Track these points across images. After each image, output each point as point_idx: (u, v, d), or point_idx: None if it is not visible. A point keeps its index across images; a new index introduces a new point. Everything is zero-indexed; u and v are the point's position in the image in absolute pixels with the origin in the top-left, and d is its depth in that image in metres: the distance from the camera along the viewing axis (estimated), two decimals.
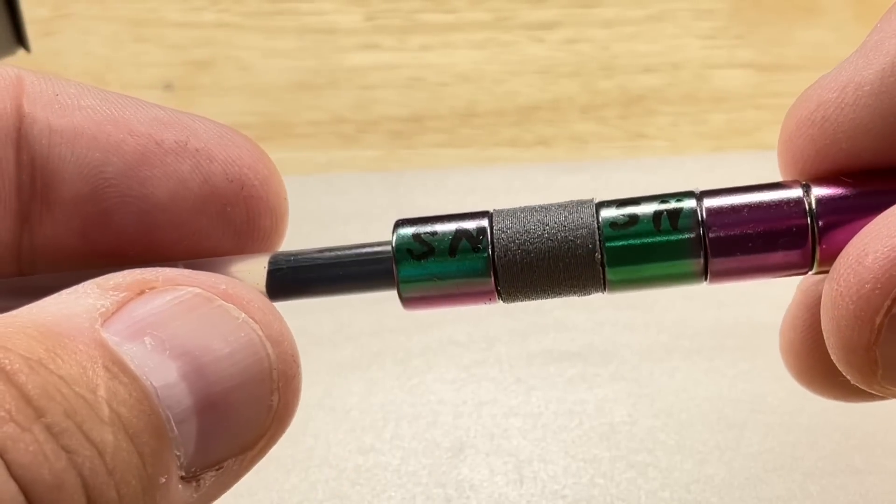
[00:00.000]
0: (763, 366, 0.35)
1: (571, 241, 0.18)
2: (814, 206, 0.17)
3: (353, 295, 0.19)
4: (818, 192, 0.18)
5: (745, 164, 0.41)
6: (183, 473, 0.16)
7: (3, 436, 0.13)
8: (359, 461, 0.33)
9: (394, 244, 0.18)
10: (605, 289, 0.18)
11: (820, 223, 0.17)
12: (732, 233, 0.17)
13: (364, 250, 0.19)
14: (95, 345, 0.15)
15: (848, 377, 0.17)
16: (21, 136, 0.19)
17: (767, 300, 0.37)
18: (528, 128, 0.45)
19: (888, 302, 0.16)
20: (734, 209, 0.18)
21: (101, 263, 0.19)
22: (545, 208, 0.18)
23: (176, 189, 0.19)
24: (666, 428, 0.33)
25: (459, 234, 0.18)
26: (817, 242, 0.17)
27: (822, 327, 0.17)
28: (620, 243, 0.18)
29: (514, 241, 0.18)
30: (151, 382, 0.15)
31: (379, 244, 0.19)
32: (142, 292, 0.16)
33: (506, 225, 0.18)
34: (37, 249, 0.19)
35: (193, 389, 0.16)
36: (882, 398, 0.18)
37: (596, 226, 0.18)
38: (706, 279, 0.18)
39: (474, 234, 0.18)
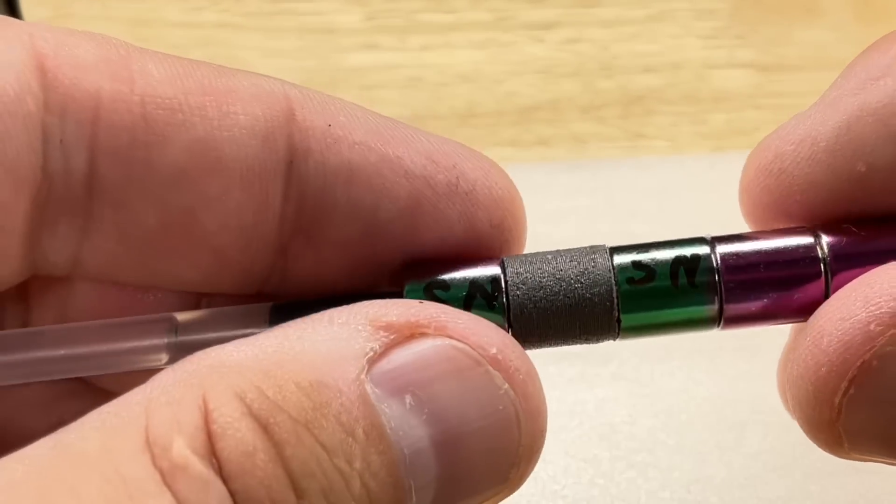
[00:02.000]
0: (763, 366, 0.35)
1: (588, 298, 0.18)
2: (826, 252, 0.18)
3: None
4: (829, 240, 0.18)
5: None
6: None
7: None
8: None
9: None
10: (617, 336, 0.18)
11: (832, 270, 0.18)
12: (747, 280, 0.18)
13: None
14: (360, 402, 0.15)
15: (820, 447, 0.17)
16: (292, 170, 0.18)
17: None
18: (527, 128, 0.45)
19: (844, 384, 0.16)
20: (748, 256, 0.18)
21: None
22: (558, 256, 0.18)
23: (442, 234, 0.18)
24: (666, 428, 0.33)
25: (474, 290, 0.18)
26: (831, 290, 0.18)
27: (789, 402, 0.18)
28: (637, 296, 0.18)
29: (529, 300, 0.18)
30: (403, 449, 0.15)
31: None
32: (412, 335, 0.16)
33: (520, 280, 0.18)
34: (290, 279, 0.19)
35: (440, 460, 0.15)
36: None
37: (613, 282, 0.18)
38: (719, 325, 0.18)
39: (489, 289, 0.18)
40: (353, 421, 0.15)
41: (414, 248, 0.18)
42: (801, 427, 0.17)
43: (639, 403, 0.34)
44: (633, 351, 0.36)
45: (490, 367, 0.16)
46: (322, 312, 0.16)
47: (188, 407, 0.14)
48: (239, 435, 0.14)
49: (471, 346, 0.16)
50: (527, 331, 0.18)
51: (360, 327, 0.16)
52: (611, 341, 0.18)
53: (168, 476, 0.13)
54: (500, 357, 0.16)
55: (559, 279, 0.18)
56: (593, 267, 0.18)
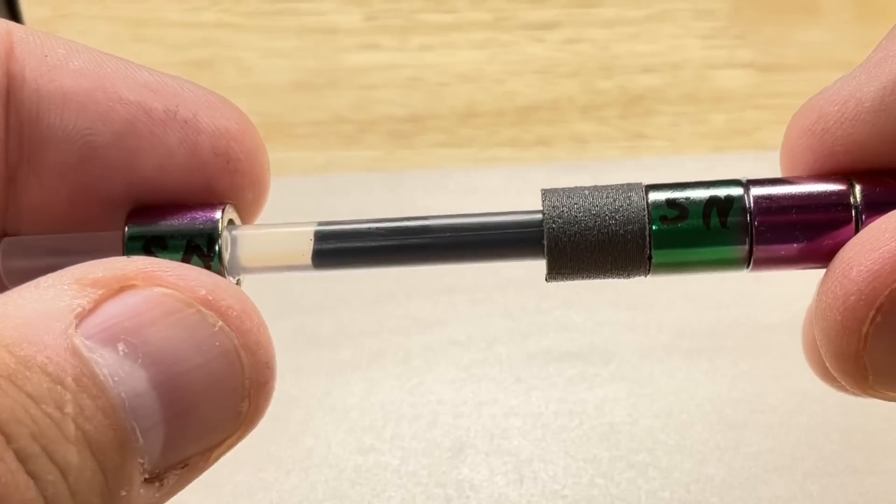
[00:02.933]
0: (763, 366, 0.35)
1: (622, 235, 0.18)
2: (858, 200, 0.18)
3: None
4: (862, 188, 0.18)
5: (745, 164, 0.41)
6: (146, 476, 0.16)
7: None
8: (359, 461, 0.33)
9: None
10: (648, 273, 0.19)
11: (864, 217, 0.18)
12: (778, 222, 0.18)
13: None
14: (68, 353, 0.15)
15: (843, 384, 0.18)
16: (10, 99, 0.18)
17: (767, 301, 0.37)
18: (528, 128, 0.45)
19: (872, 312, 0.17)
20: (781, 199, 0.18)
21: (87, 230, 0.19)
22: (595, 192, 0.18)
23: (162, 162, 0.18)
24: (666, 428, 0.33)
25: (190, 251, 0.18)
26: None
27: (816, 337, 0.18)
28: (669, 234, 0.18)
29: (564, 234, 0.18)
30: (120, 393, 0.15)
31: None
32: (121, 289, 0.16)
33: (556, 214, 0.18)
34: (22, 212, 0.19)
35: (163, 400, 0.16)
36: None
37: (646, 220, 0.18)
38: (748, 266, 0.18)
39: (205, 250, 0.18)
40: (61, 371, 0.15)
41: (136, 178, 0.18)
42: (828, 363, 0.18)
43: (639, 403, 0.34)
44: (633, 351, 0.36)
45: (201, 308, 0.16)
46: (31, 281, 0.16)
47: None
48: None
49: (179, 291, 0.16)
50: (560, 263, 0.18)
51: (65, 287, 0.16)
52: (642, 277, 0.19)
53: None
54: (210, 297, 0.16)
55: (594, 215, 0.18)
56: (628, 204, 0.18)
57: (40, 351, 0.15)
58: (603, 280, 0.19)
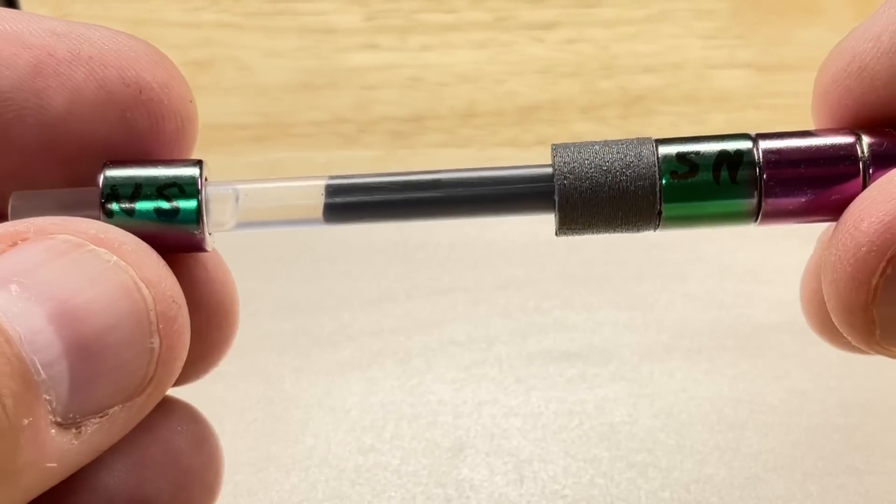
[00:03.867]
0: (763, 366, 0.35)
1: (632, 191, 0.18)
2: (866, 153, 0.18)
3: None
4: (869, 140, 0.18)
5: None
6: (59, 419, 0.16)
7: None
8: (359, 461, 0.33)
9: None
10: (657, 228, 0.19)
11: (871, 170, 0.18)
12: (786, 176, 0.18)
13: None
14: None
15: (849, 338, 0.18)
16: None
17: (768, 301, 0.37)
18: (528, 128, 0.45)
19: (883, 264, 0.17)
20: (789, 153, 0.18)
21: (11, 186, 0.19)
22: (605, 147, 0.19)
23: (72, 98, 0.18)
24: (666, 428, 0.33)
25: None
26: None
27: (823, 290, 0.18)
28: (679, 189, 0.18)
29: (575, 190, 0.18)
30: (15, 328, 0.15)
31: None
32: (14, 244, 0.16)
33: (567, 169, 0.18)
34: None
35: (62, 333, 0.16)
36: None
37: (657, 174, 0.18)
38: (756, 220, 0.19)
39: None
40: None
41: (47, 118, 0.18)
42: (836, 318, 0.18)
43: (639, 403, 0.34)
44: (633, 351, 0.36)
45: (94, 246, 0.17)
46: None
47: None
48: None
49: (72, 234, 0.17)
50: (571, 218, 0.18)
51: None
52: (651, 231, 0.19)
53: None
54: (101, 236, 0.17)
55: (605, 170, 0.18)
56: (638, 159, 0.18)
57: None
58: (612, 233, 0.19)
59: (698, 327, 0.36)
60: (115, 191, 0.18)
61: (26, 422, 0.15)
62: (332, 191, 0.19)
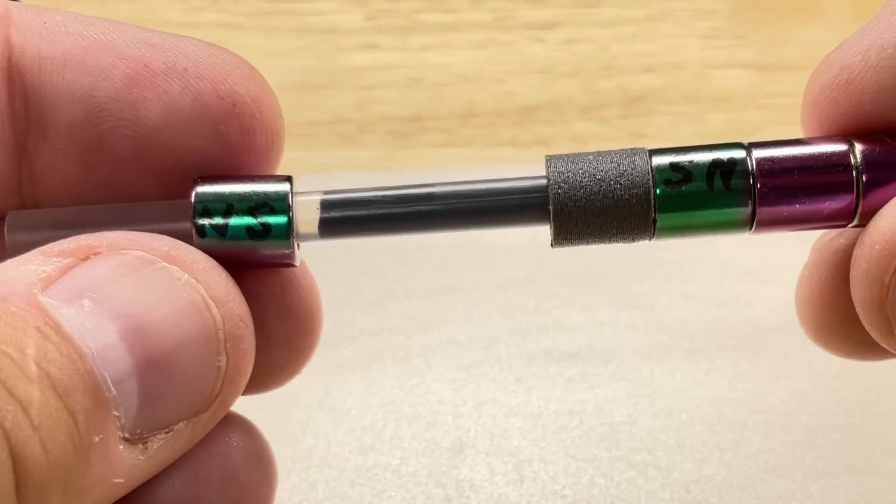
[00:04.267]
0: (763, 366, 0.35)
1: (626, 199, 0.18)
2: (859, 161, 0.18)
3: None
4: (862, 148, 0.18)
5: None
6: (126, 435, 0.16)
7: None
8: (359, 461, 0.33)
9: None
10: (653, 237, 0.19)
11: (864, 178, 0.18)
12: (780, 184, 0.18)
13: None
14: (30, 307, 0.15)
15: (873, 337, 0.18)
16: (11, 66, 0.19)
17: (768, 301, 0.37)
18: (528, 128, 0.45)
19: (895, 262, 0.17)
20: (782, 161, 0.18)
21: (104, 196, 0.19)
22: (599, 157, 0.19)
23: (167, 110, 0.18)
24: (666, 428, 0.33)
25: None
26: (861, 196, 0.18)
27: (850, 285, 0.19)
28: (673, 198, 0.18)
29: (570, 199, 0.18)
30: (87, 344, 0.15)
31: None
32: (86, 258, 0.16)
33: (562, 179, 0.18)
34: (37, 180, 0.19)
35: (133, 350, 0.16)
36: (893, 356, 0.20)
37: (651, 183, 0.18)
38: (751, 228, 0.19)
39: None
40: (23, 322, 0.15)
41: (142, 130, 0.18)
42: (860, 314, 0.18)
43: (639, 403, 0.34)
44: (633, 351, 0.36)
45: (165, 263, 0.17)
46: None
47: None
48: None
49: (144, 250, 0.17)
50: (566, 228, 0.19)
51: (31, 258, 0.16)
52: (646, 241, 0.19)
53: None
54: (173, 253, 0.17)
55: (599, 180, 0.18)
56: (632, 168, 0.18)
57: (2, 303, 0.15)
58: (608, 244, 0.19)
59: (698, 327, 0.36)
60: (206, 209, 0.18)
61: (97, 438, 0.15)
62: (327, 205, 0.19)
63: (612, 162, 0.19)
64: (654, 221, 0.18)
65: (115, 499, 0.16)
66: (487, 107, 0.46)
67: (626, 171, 0.18)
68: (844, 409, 0.34)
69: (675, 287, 0.38)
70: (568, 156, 0.19)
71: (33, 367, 0.14)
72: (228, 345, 0.17)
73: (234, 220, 0.18)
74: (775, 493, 0.31)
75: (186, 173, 0.19)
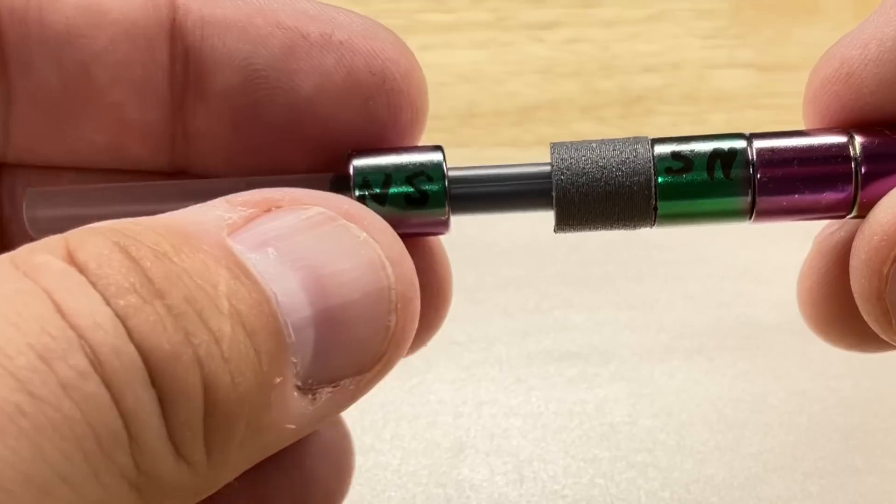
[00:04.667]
0: (763, 366, 0.35)
1: (628, 186, 0.19)
2: (858, 153, 0.19)
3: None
4: (861, 140, 0.19)
5: None
6: (299, 383, 0.16)
7: (126, 304, 0.14)
8: (359, 461, 0.33)
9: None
10: (654, 225, 0.19)
11: (863, 170, 0.18)
12: (780, 175, 0.19)
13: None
14: (220, 248, 0.16)
15: (872, 328, 0.19)
16: (175, 27, 0.19)
17: (768, 300, 0.37)
18: (528, 128, 0.45)
19: (894, 252, 0.18)
20: (783, 152, 0.19)
21: (252, 161, 0.20)
22: (602, 145, 0.19)
23: (321, 82, 0.19)
24: (666, 428, 0.33)
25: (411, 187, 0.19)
26: (859, 188, 0.18)
27: (850, 276, 0.19)
28: (674, 186, 0.19)
29: (572, 185, 0.19)
30: (272, 289, 0.16)
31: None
32: (269, 210, 0.17)
33: (565, 165, 0.19)
34: (190, 140, 0.20)
35: (313, 300, 0.16)
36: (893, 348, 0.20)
37: (652, 171, 0.19)
38: (751, 217, 0.19)
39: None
40: (215, 259, 0.15)
41: (296, 99, 0.19)
42: (859, 305, 0.19)
43: (639, 403, 0.34)
44: (633, 351, 0.36)
45: (345, 221, 0.17)
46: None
47: (51, 240, 0.15)
48: (97, 248, 0.15)
49: (324, 207, 0.17)
50: (568, 214, 0.19)
51: (217, 204, 0.17)
52: (647, 228, 0.19)
53: (29, 271, 0.14)
54: (353, 212, 0.17)
55: (601, 167, 0.19)
56: (634, 156, 0.19)
57: (195, 241, 0.15)
58: (610, 230, 0.19)
59: (698, 327, 0.36)
60: (366, 180, 0.19)
61: (277, 380, 0.16)
62: (336, 185, 0.19)
63: (614, 150, 0.19)
64: (656, 209, 0.19)
65: (284, 445, 0.17)
66: (487, 107, 0.46)
67: (628, 158, 0.19)
68: (844, 409, 0.34)
69: (675, 287, 0.38)
70: (572, 143, 0.19)
71: (225, 303, 0.15)
72: (399, 305, 0.17)
73: (393, 189, 0.19)
74: (775, 493, 0.31)
75: (334, 145, 0.19)
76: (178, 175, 0.20)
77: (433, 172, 0.19)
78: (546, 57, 0.48)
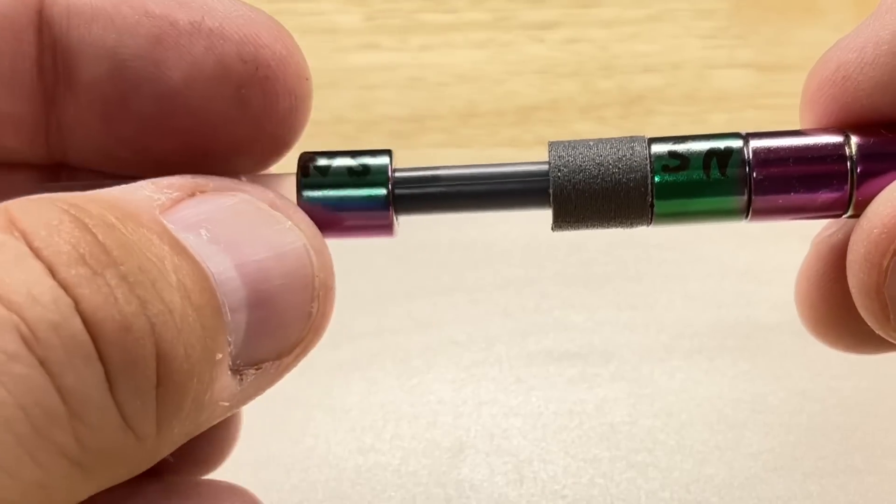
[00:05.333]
0: (763, 366, 0.35)
1: (625, 184, 0.19)
2: (854, 152, 0.19)
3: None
4: (857, 140, 0.19)
5: None
6: (230, 363, 0.16)
7: (76, 274, 0.14)
8: (359, 461, 0.33)
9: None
10: (650, 223, 0.19)
11: (858, 169, 0.19)
12: (776, 174, 0.19)
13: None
14: (157, 224, 0.16)
15: (869, 324, 0.19)
16: (42, 17, 0.19)
17: (768, 301, 0.37)
18: (528, 128, 0.45)
19: (893, 246, 0.17)
20: (779, 151, 0.19)
21: (127, 153, 0.19)
22: (599, 143, 0.19)
23: (189, 71, 0.18)
24: (666, 428, 0.33)
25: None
26: (855, 187, 0.19)
27: (847, 272, 0.19)
28: (671, 184, 0.19)
29: (569, 182, 0.19)
30: (209, 268, 0.16)
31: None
32: (193, 194, 0.17)
33: (562, 163, 0.19)
34: (64, 132, 0.20)
35: (246, 283, 0.16)
36: (893, 349, 0.20)
37: (649, 169, 0.19)
38: (747, 216, 0.19)
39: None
40: (158, 234, 0.15)
41: (164, 90, 0.19)
42: (856, 301, 0.18)
43: (639, 403, 0.34)
44: (633, 351, 0.36)
45: (271, 209, 0.17)
46: None
47: None
48: (45, 216, 0.14)
49: (250, 195, 0.17)
50: (566, 211, 0.19)
51: (143, 185, 0.17)
52: (644, 227, 0.19)
53: None
54: (278, 202, 0.18)
55: (598, 164, 0.19)
56: (631, 154, 0.19)
57: (136, 216, 0.15)
58: (607, 228, 0.19)
59: (698, 327, 0.36)
60: (311, 155, 0.20)
61: (219, 357, 0.16)
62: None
63: (612, 148, 0.19)
64: (652, 207, 0.19)
65: (215, 422, 0.17)
66: (487, 107, 0.46)
67: (624, 156, 0.19)
68: (844, 409, 0.34)
69: (675, 287, 0.38)
70: (570, 141, 0.19)
71: (173, 276, 0.15)
72: (321, 293, 0.17)
73: (337, 161, 0.20)
74: (775, 493, 0.31)
75: (208, 134, 0.19)
76: (56, 167, 0.20)
77: (378, 153, 0.20)
78: (546, 57, 0.48)
